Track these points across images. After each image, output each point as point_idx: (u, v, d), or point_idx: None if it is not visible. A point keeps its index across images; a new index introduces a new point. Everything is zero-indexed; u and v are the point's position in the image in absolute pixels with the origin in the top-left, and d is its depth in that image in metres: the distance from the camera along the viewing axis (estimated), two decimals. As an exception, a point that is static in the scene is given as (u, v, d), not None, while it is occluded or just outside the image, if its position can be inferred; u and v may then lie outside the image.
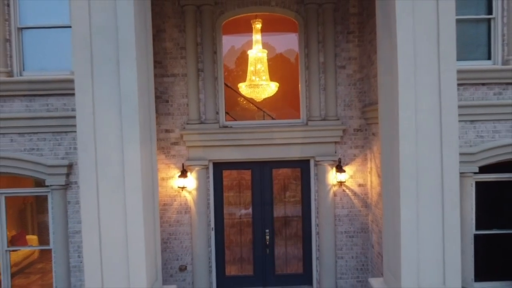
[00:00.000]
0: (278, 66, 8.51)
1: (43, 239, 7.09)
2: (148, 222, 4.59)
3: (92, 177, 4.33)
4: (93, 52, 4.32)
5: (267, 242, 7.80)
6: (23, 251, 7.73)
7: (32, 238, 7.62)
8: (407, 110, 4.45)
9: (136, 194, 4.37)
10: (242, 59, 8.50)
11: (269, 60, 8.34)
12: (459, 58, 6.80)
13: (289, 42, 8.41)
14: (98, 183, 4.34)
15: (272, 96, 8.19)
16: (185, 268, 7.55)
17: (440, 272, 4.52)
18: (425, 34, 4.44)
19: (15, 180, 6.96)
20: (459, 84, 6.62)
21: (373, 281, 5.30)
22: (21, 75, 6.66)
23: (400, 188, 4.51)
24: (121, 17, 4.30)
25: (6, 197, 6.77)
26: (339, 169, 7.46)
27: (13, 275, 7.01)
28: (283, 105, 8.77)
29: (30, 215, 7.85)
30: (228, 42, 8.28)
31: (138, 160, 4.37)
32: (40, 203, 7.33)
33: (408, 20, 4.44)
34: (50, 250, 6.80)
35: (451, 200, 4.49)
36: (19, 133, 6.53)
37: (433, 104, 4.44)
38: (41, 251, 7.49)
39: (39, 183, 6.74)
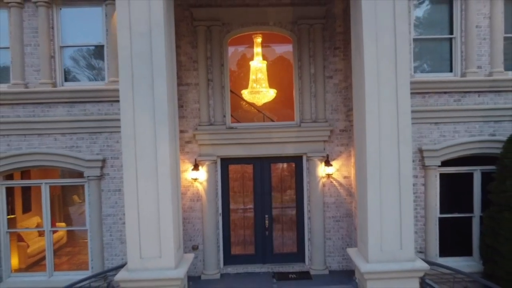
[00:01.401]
0: (276, 75, 9.83)
1: (81, 221, 8.47)
2: (174, 202, 5.97)
3: (133, 166, 5.72)
4: (133, 71, 5.71)
5: (266, 226, 9.16)
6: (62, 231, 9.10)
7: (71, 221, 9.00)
8: (372, 116, 5.82)
9: (165, 179, 5.76)
10: (245, 68, 9.83)
11: (268, 69, 9.67)
12: (426, 71, 8.25)
13: (285, 54, 9.74)
14: (137, 171, 5.72)
15: (271, 101, 9.52)
16: (197, 247, 8.91)
17: (397, 239, 5.90)
18: (386, 57, 5.81)
19: (54, 172, 8.37)
20: (426, 93, 8.08)
21: (350, 250, 6.68)
22: (62, 85, 8.05)
23: (367, 175, 5.89)
24: (155, 45, 5.69)
25: (50, 186, 8.17)
26: (327, 163, 8.81)
27: (55, 251, 8.40)
28: (280, 108, 10.09)
29: (71, 202, 9.23)
30: (233, 54, 9.64)
31: (167, 154, 5.76)
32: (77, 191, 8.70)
33: (373, 46, 5.82)
34: (86, 230, 8.19)
35: (406, 185, 5.87)
36: (61, 134, 7.92)
37: (391, 111, 5.81)
38: (78, 231, 8.86)
39: (78, 175, 8.13)
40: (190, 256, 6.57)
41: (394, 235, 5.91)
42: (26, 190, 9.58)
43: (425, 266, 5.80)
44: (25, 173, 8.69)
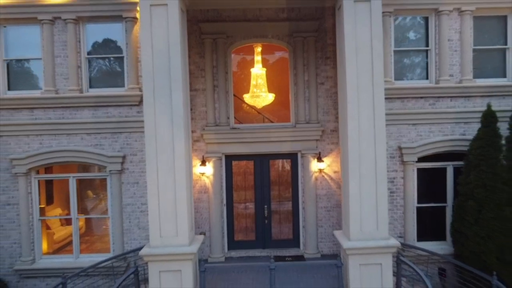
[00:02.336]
0: (274, 80, 10.99)
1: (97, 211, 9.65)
2: (187, 190, 7.16)
3: (154, 161, 6.90)
4: (155, 82, 6.89)
5: (266, 216, 10.34)
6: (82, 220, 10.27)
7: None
8: (353, 120, 7.01)
9: (181, 172, 6.94)
10: (246, 74, 10.99)
11: (267, 75, 10.82)
12: (405, 78, 9.38)
13: (283, 62, 10.90)
14: (158, 165, 6.91)
15: (270, 104, 10.69)
16: (204, 234, 10.08)
17: (374, 222, 7.08)
18: (364, 70, 6.99)
19: (72, 167, 9.55)
20: (405, 97, 9.25)
21: (336, 232, 7.88)
22: (88, 91, 9.23)
23: (349, 169, 7.08)
24: (172, 61, 6.87)
25: (77, 179, 9.37)
26: (319, 159, 9.97)
27: (80, 236, 9.59)
28: (278, 110, 11.24)
29: (86, 195, 10.42)
30: (236, 62, 10.81)
31: (183, 150, 6.94)
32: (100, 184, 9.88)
33: (353, 61, 7.00)
34: (108, 218, 9.38)
35: (381, 177, 7.06)
36: (87, 133, 9.11)
37: (369, 115, 6.99)
38: (96, 220, 10.05)
39: (98, 169, 9.32)
40: (201, 237, 7.77)
41: (371, 218, 7.09)
42: (48, 185, 10.72)
43: (397, 243, 6.99)
44: (47, 169, 9.85)
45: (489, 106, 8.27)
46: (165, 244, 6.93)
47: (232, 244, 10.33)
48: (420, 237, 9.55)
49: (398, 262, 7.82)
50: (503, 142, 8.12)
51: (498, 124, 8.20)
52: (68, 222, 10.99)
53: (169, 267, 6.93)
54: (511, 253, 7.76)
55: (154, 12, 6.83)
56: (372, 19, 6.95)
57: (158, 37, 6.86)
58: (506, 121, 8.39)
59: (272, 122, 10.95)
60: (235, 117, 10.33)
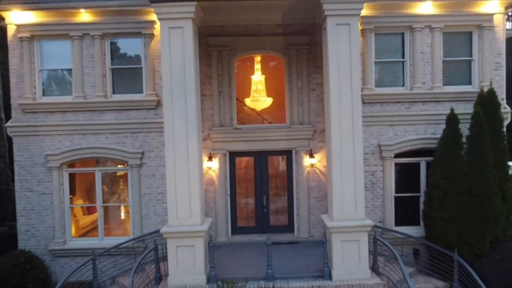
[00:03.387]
0: (272, 86, 12.46)
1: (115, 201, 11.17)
2: (199, 180, 8.67)
3: (172, 156, 8.41)
4: (172, 91, 8.40)
5: (264, 205, 11.85)
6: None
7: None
8: (335, 122, 8.51)
9: (194, 165, 8.45)
10: (248, 80, 12.46)
11: (266, 81, 12.30)
12: (384, 85, 10.87)
13: (279, 70, 12.38)
14: (175, 159, 8.42)
15: (268, 107, 12.18)
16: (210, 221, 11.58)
17: (353, 206, 8.59)
18: (345, 80, 8.49)
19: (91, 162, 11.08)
20: (384, 102, 10.76)
21: (323, 216, 9.41)
22: (111, 97, 10.76)
23: (332, 163, 8.59)
24: (187, 74, 8.38)
25: (101, 173, 10.90)
26: (311, 156, 11.47)
27: (104, 222, 11.12)
28: (275, 112, 12.71)
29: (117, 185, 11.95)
30: (238, 70, 12.30)
31: (196, 148, 8.46)
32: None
33: (336, 74, 8.50)
34: (129, 206, 10.91)
35: (358, 169, 8.56)
36: (111, 133, 10.64)
37: (348, 119, 8.49)
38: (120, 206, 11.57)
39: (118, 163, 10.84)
40: (209, 219, 9.30)
41: (350, 203, 8.60)
42: (71, 178, 12.17)
43: (371, 223, 8.52)
44: (70, 165, 11.30)
45: (452, 110, 9.79)
46: (181, 224, 8.44)
47: (235, 229, 11.84)
48: (398, 223, 11.06)
49: (375, 241, 9.34)
50: (464, 140, 9.63)
51: (460, 125, 9.70)
52: (89, 211, 12.52)
53: (184, 242, 8.45)
54: (469, 234, 9.28)
55: (172, 33, 8.35)
56: (351, 38, 8.45)
57: (175, 53, 8.37)
58: (469, 122, 9.86)
59: (270, 123, 12.44)
60: (237, 119, 11.84)
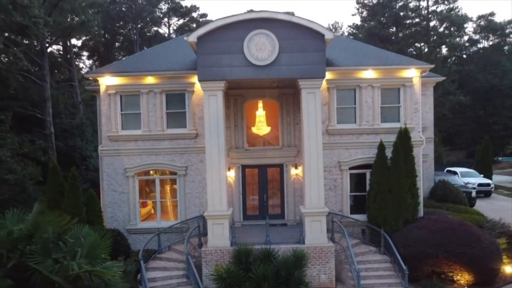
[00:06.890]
0: (269, 119, 18.24)
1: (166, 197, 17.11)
2: (225, 183, 14.53)
3: (210, 168, 14.31)
4: (210, 129, 14.30)
5: (265, 200, 17.65)
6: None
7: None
8: (306, 149, 14.39)
9: (222, 173, 14.36)
10: (254, 115, 18.25)
11: (266, 116, 18.07)
12: (343, 123, 16.76)
13: (275, 109, 18.18)
14: (212, 170, 14.30)
15: (268, 133, 17.98)
16: (229, 211, 17.41)
17: (317, 199, 14.45)
18: (312, 125, 14.36)
19: (146, 172, 16.98)
20: (342, 134, 16.73)
21: (300, 206, 15.26)
22: (166, 130, 16.63)
23: (305, 172, 14.47)
24: (219, 118, 14.29)
25: (160, 180, 16.81)
26: (296, 168, 17.27)
27: (162, 215, 17.01)
28: (273, 137, 18.52)
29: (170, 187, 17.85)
30: (248, 108, 18.13)
31: (223, 163, 14.37)
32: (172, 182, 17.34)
33: (307, 120, 14.40)
34: (177, 201, 16.79)
35: (320, 177, 14.42)
36: (166, 154, 16.54)
37: (314, 147, 14.36)
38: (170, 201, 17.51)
39: (173, 173, 16.74)
40: (231, 208, 15.16)
41: (315, 197, 14.42)
42: (140, 183, 18.04)
43: (327, 210, 14.40)
44: (139, 174, 17.15)
45: (381, 140, 15.61)
46: (215, 210, 14.29)
47: (245, 217, 17.70)
48: (352, 211, 16.89)
49: (332, 223, 15.19)
50: (389, 159, 15.47)
51: (387, 150, 15.52)
52: (143, 205, 18.35)
53: (217, 221, 14.30)
54: (390, 217, 15.09)
55: (211, 98, 14.26)
56: (316, 100, 14.34)
57: (212, 109, 14.26)
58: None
59: (270, 143, 18.27)
60: (247, 141, 17.70)
